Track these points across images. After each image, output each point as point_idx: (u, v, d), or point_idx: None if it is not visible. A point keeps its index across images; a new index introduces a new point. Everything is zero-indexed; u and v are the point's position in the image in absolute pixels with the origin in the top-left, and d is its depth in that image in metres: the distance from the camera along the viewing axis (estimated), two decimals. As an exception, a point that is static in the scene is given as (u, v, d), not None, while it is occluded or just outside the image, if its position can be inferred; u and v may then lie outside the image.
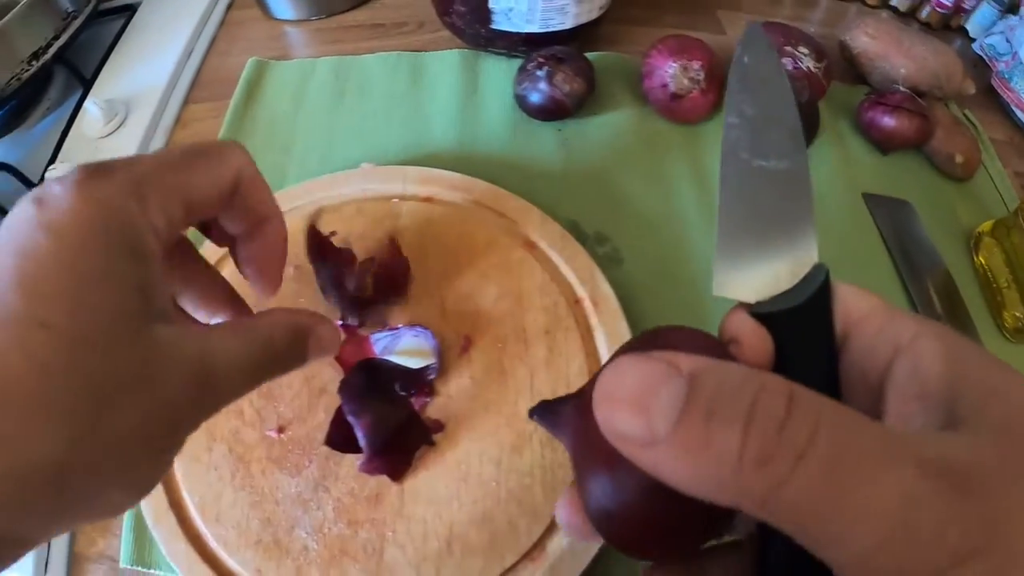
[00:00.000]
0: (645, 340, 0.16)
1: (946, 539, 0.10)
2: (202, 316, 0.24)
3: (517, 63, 0.49)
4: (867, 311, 0.15)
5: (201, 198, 0.19)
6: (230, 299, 0.25)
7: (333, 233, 0.39)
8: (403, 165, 0.42)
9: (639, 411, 0.12)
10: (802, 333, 0.15)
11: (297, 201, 0.41)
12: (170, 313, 0.18)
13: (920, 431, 0.13)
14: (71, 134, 0.54)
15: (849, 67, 0.54)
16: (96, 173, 0.17)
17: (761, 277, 0.16)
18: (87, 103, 0.52)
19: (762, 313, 0.15)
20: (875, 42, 0.52)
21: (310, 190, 0.41)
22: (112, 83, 0.56)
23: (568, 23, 0.46)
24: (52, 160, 0.52)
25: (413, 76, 0.49)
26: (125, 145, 0.51)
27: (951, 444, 0.12)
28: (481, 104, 0.47)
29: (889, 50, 0.52)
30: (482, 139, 0.45)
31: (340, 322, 0.36)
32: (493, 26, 0.46)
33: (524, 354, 0.34)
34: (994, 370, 0.13)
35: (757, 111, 0.16)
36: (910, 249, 0.46)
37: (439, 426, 0.33)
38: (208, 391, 0.18)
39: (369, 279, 0.33)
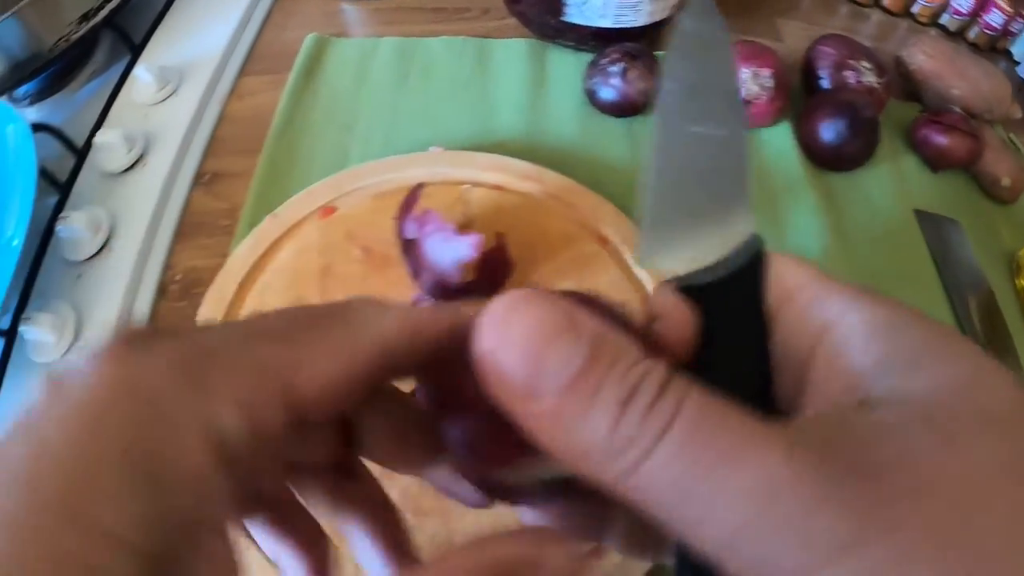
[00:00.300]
0: None
1: (813, 530, 0.09)
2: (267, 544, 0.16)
3: (585, 56, 0.48)
4: (799, 283, 0.13)
5: (317, 381, 0.12)
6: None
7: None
8: (471, 151, 0.42)
9: (529, 358, 0.11)
10: (732, 308, 0.14)
11: (364, 181, 0.41)
12: None
13: (814, 417, 0.12)
14: (119, 100, 0.53)
15: (903, 83, 0.55)
16: (137, 341, 0.11)
17: (689, 248, 0.14)
18: (138, 69, 0.51)
19: (690, 287, 0.14)
20: (931, 61, 0.53)
21: (377, 170, 0.41)
22: (162, 50, 0.55)
23: (640, 21, 0.46)
24: (99, 125, 0.51)
25: (479, 62, 0.48)
26: (178, 113, 0.50)
27: (846, 428, 0.11)
28: (549, 95, 0.47)
29: (943, 70, 0.53)
30: (550, 131, 0.45)
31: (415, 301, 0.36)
32: (565, 18, 0.46)
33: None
34: (932, 343, 0.12)
35: (697, 77, 0.15)
36: (956, 267, 0.47)
37: None
38: None
39: (472, 268, 0.33)
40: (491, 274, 0.34)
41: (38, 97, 0.59)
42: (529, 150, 0.44)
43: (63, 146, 0.50)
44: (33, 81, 0.57)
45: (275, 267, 0.39)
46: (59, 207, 0.48)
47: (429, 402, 0.15)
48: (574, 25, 0.46)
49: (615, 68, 0.43)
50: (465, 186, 0.40)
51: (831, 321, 0.13)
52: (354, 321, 0.13)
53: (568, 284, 0.37)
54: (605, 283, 0.37)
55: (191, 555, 0.10)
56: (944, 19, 0.61)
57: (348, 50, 0.50)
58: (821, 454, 0.10)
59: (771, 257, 0.14)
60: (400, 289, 0.36)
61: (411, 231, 0.34)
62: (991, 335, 0.44)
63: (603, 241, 0.38)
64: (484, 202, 0.39)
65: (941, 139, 0.49)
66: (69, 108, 0.57)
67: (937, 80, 0.53)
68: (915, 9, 0.61)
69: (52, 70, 0.57)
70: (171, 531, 0.10)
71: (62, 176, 0.49)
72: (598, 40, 0.47)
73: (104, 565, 0.09)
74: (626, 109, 0.44)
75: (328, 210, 0.40)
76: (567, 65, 0.48)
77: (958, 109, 0.51)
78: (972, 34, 0.61)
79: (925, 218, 0.49)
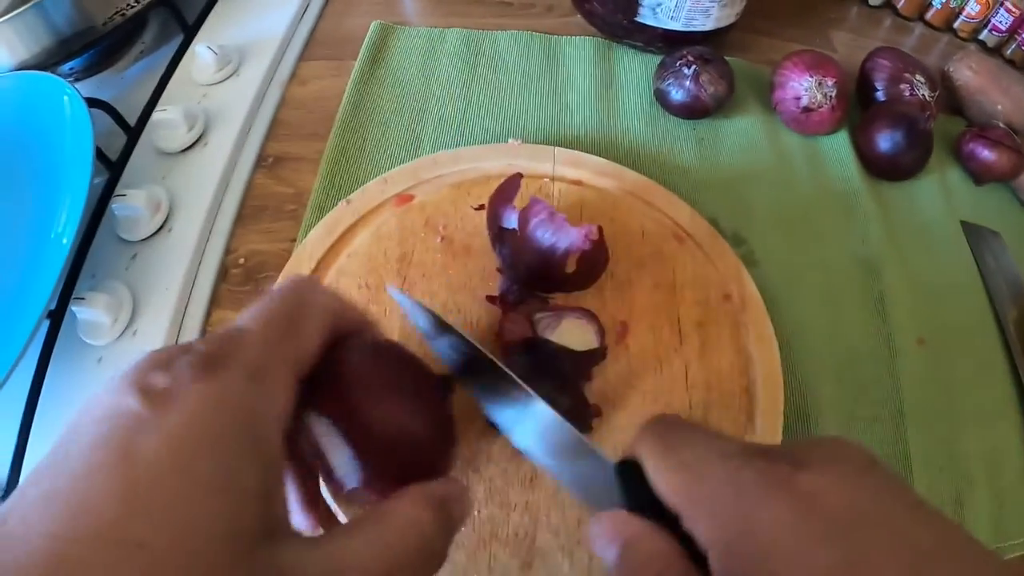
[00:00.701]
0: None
1: None
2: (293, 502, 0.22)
3: (650, 57, 0.49)
4: (677, 497, 0.18)
5: (310, 358, 0.18)
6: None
7: (482, 207, 0.39)
8: (547, 145, 0.42)
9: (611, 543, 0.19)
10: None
11: (442, 169, 0.41)
12: (287, 520, 0.16)
13: None
14: (176, 78, 0.52)
15: (947, 97, 0.56)
16: (210, 362, 0.15)
17: None
18: (198, 47, 0.51)
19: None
20: (976, 77, 0.54)
21: (456, 159, 0.41)
22: (218, 31, 0.55)
23: (708, 25, 0.47)
24: (152, 103, 0.51)
25: (547, 58, 0.49)
26: (239, 94, 0.49)
27: None
28: (618, 94, 0.47)
29: (988, 86, 0.54)
30: (620, 129, 0.46)
31: (497, 294, 0.36)
32: (637, 19, 0.46)
33: (679, 345, 0.36)
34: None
35: None
36: (999, 278, 0.48)
37: (597, 411, 0.34)
38: None
39: (573, 260, 0.33)
40: (591, 266, 0.35)
41: (84, 74, 0.58)
42: (600, 146, 0.44)
43: (113, 124, 0.49)
44: (79, 58, 0.56)
45: (350, 252, 0.39)
46: (110, 185, 0.47)
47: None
48: (644, 26, 0.47)
49: (688, 71, 0.43)
50: (545, 179, 0.40)
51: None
52: (316, 304, 0.19)
53: (648, 279, 0.37)
54: (684, 279, 0.37)
55: (278, 497, 0.16)
56: (983, 35, 0.63)
57: (414, 39, 0.50)
58: None
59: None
60: (481, 279, 0.37)
61: (510, 219, 0.34)
62: (1030, 344, 0.46)
63: (680, 239, 0.39)
64: (565, 196, 0.40)
65: (987, 153, 0.51)
66: (116, 86, 0.57)
67: (981, 95, 0.54)
68: (956, 24, 0.63)
69: (101, 47, 0.56)
70: (269, 482, 0.15)
71: (112, 154, 0.48)
72: (665, 42, 0.48)
73: (244, 508, 0.14)
74: (695, 111, 0.45)
75: (405, 198, 0.40)
76: (634, 65, 0.49)
77: (1002, 124, 0.52)
78: (1009, 51, 0.63)
79: (971, 229, 0.50)
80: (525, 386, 0.22)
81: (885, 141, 0.47)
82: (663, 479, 0.18)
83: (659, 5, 0.45)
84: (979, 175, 0.52)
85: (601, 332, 0.35)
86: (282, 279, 0.38)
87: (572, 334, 0.35)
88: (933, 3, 0.62)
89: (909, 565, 0.14)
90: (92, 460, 0.13)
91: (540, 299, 0.36)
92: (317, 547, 0.15)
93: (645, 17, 0.46)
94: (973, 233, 0.50)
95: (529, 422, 0.23)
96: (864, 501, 0.16)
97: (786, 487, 0.16)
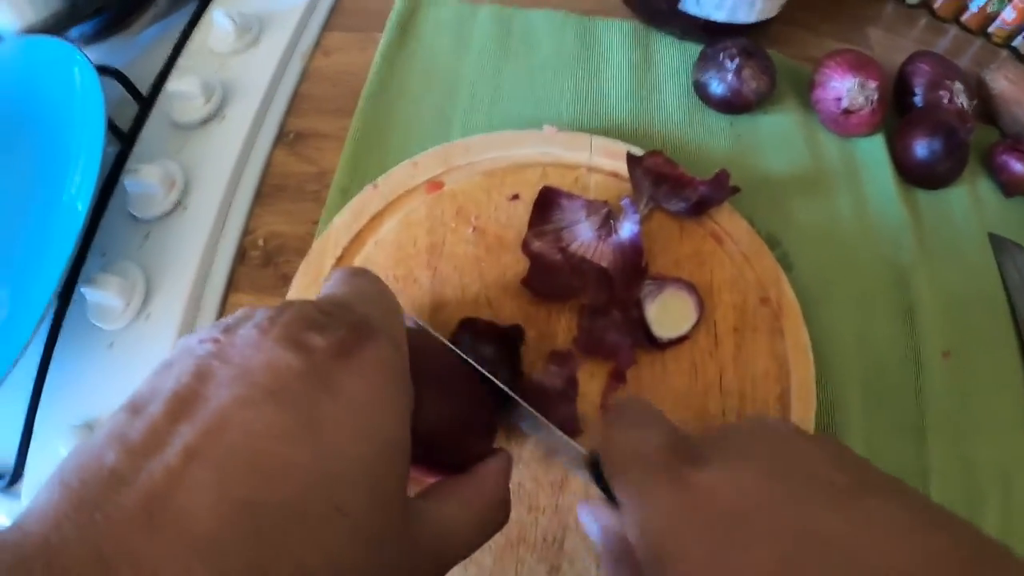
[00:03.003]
0: None
1: None
2: None
3: (689, 46, 0.47)
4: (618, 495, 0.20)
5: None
6: None
7: (516, 196, 0.38)
8: (582, 133, 0.41)
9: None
10: None
11: (474, 156, 0.40)
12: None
13: None
14: (190, 47, 0.50)
15: (981, 105, 0.55)
16: (364, 329, 0.16)
17: None
18: (216, 14, 0.48)
19: None
20: (1013, 87, 0.54)
21: (488, 145, 0.40)
22: (234, -1, 0.52)
23: (751, 18, 0.45)
24: (166, 72, 0.48)
25: (582, 40, 0.47)
26: (260, 65, 0.47)
27: None
28: (655, 83, 0.46)
29: (1023, 97, 0.53)
30: (657, 119, 0.44)
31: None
32: (680, 7, 0.45)
33: (714, 350, 0.35)
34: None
35: None
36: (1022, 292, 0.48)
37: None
38: (442, 572, 0.17)
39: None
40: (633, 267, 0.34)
41: (92, 39, 0.55)
42: (637, 136, 0.43)
43: (124, 92, 0.47)
44: (89, 22, 0.53)
45: (377, 240, 0.37)
46: (120, 158, 0.45)
47: None
48: (686, 14, 0.45)
49: (731, 64, 0.42)
50: (582, 170, 0.39)
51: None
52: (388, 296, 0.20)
53: (685, 277, 0.36)
54: (722, 281, 0.37)
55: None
56: (1017, 41, 0.62)
57: (444, 13, 0.48)
58: None
59: None
60: (515, 274, 0.36)
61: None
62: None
63: (718, 238, 0.38)
64: (602, 189, 0.38)
65: (1020, 166, 0.50)
66: (126, 52, 0.54)
67: (1016, 106, 0.53)
68: (991, 29, 0.62)
69: (111, 12, 0.53)
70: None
71: (124, 124, 0.46)
72: (705, 32, 0.46)
73: (401, 463, 0.15)
74: (735, 106, 0.44)
75: (435, 184, 0.39)
76: (672, 53, 0.47)
77: (1037, 136, 0.52)
78: (1041, 60, 0.62)
79: (998, 242, 0.50)
80: (526, 405, 0.24)
81: (922, 149, 0.46)
82: (605, 471, 0.20)
83: (704, -6, 0.43)
84: (1009, 187, 0.51)
85: (700, 304, 0.34)
86: (305, 266, 0.37)
87: (673, 304, 0.34)
88: (970, 6, 0.61)
89: (782, 555, 0.14)
90: (271, 422, 0.13)
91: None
92: (432, 509, 0.17)
93: (688, 6, 0.44)
94: (1000, 245, 0.49)
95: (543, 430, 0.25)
96: (756, 491, 0.16)
97: (683, 484, 0.17)
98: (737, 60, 0.42)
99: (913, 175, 0.47)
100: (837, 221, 0.44)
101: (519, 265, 0.36)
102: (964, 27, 0.63)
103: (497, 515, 0.19)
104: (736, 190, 0.38)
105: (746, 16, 0.45)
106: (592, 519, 0.23)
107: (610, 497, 0.20)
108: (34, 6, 0.48)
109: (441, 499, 0.18)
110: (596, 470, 0.22)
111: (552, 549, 0.30)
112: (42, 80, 0.43)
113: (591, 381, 0.33)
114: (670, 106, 0.45)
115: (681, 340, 0.34)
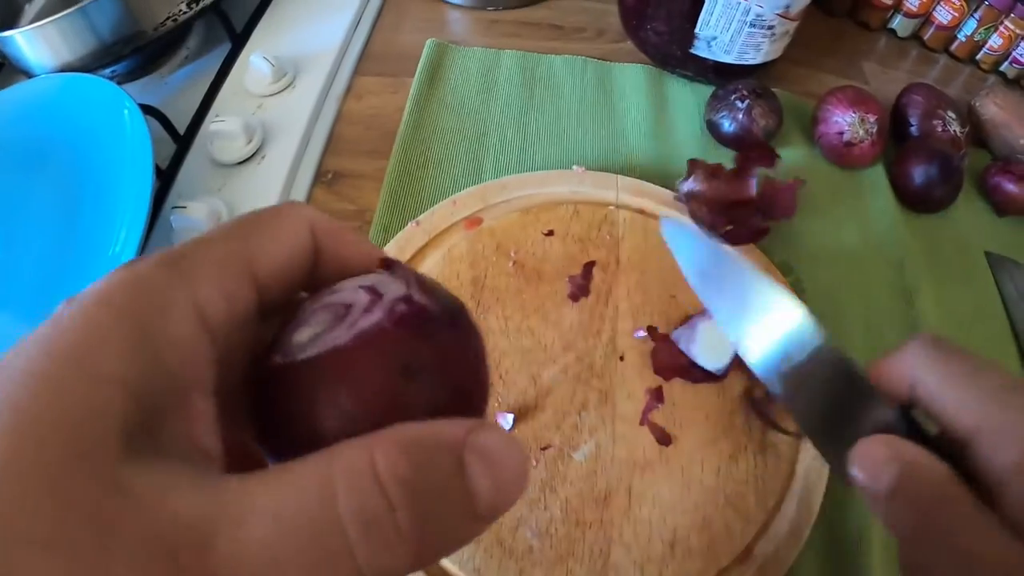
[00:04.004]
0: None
1: None
2: None
3: (700, 87, 0.51)
4: (977, 423, 0.18)
5: (270, 265, 0.15)
6: None
7: (551, 232, 0.41)
8: (607, 172, 0.44)
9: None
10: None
11: (511, 194, 0.43)
12: (191, 438, 0.12)
13: None
14: (227, 88, 0.53)
15: (972, 131, 0.59)
16: (139, 259, 0.13)
17: None
18: (253, 57, 0.51)
19: None
20: (1002, 112, 0.57)
21: (523, 184, 0.43)
22: (268, 41, 0.56)
23: (758, 59, 0.49)
24: (202, 112, 0.51)
25: (601, 84, 0.50)
26: (297, 106, 0.50)
27: None
28: (670, 124, 0.49)
29: (1012, 121, 0.57)
30: (673, 157, 0.47)
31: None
32: (692, 51, 0.48)
33: (737, 370, 0.38)
34: None
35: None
36: (1022, 306, 0.51)
37: (667, 439, 0.35)
38: None
39: None
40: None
41: (126, 78, 0.58)
42: (655, 174, 0.46)
43: (161, 130, 0.49)
44: (122, 63, 0.56)
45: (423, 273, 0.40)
46: (159, 195, 0.47)
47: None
48: (697, 57, 0.49)
49: (742, 104, 0.45)
50: (611, 207, 0.42)
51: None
52: (287, 214, 0.16)
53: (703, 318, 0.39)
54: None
55: (180, 408, 0.12)
56: (1004, 67, 0.66)
57: (470, 59, 0.51)
58: None
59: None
60: (554, 304, 0.38)
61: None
62: (1047, 372, 0.49)
63: (737, 269, 0.41)
64: (631, 225, 0.41)
65: (1011, 187, 0.53)
66: (160, 92, 0.57)
67: (1006, 130, 0.57)
68: (979, 56, 0.65)
69: (145, 52, 0.56)
70: (162, 380, 0.12)
71: (161, 162, 0.48)
72: (715, 74, 0.49)
73: (103, 400, 0.11)
74: (746, 143, 0.47)
75: (474, 221, 0.41)
76: (685, 94, 0.51)
77: (1025, 159, 0.55)
78: (1027, 85, 0.66)
79: (995, 259, 0.53)
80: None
81: (920, 175, 0.49)
82: (959, 403, 0.18)
83: (714, 39, 0.47)
84: (1002, 207, 0.55)
85: None
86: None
87: (708, 336, 0.37)
88: (958, 36, 0.65)
89: None
90: None
91: None
92: (213, 487, 0.11)
93: (699, 49, 0.48)
94: (997, 263, 0.53)
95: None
96: None
97: None
98: (747, 101, 0.45)
99: (912, 200, 0.51)
100: (844, 247, 0.47)
101: (558, 296, 0.39)
102: (954, 56, 0.67)
103: (365, 512, 0.11)
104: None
105: (753, 58, 0.49)
106: (888, 459, 0.18)
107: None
108: (70, 45, 0.50)
109: (257, 478, 0.11)
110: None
111: (599, 561, 0.32)
112: (87, 119, 0.44)
113: (627, 402, 0.36)
114: (685, 145, 0.48)
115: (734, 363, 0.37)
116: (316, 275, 0.16)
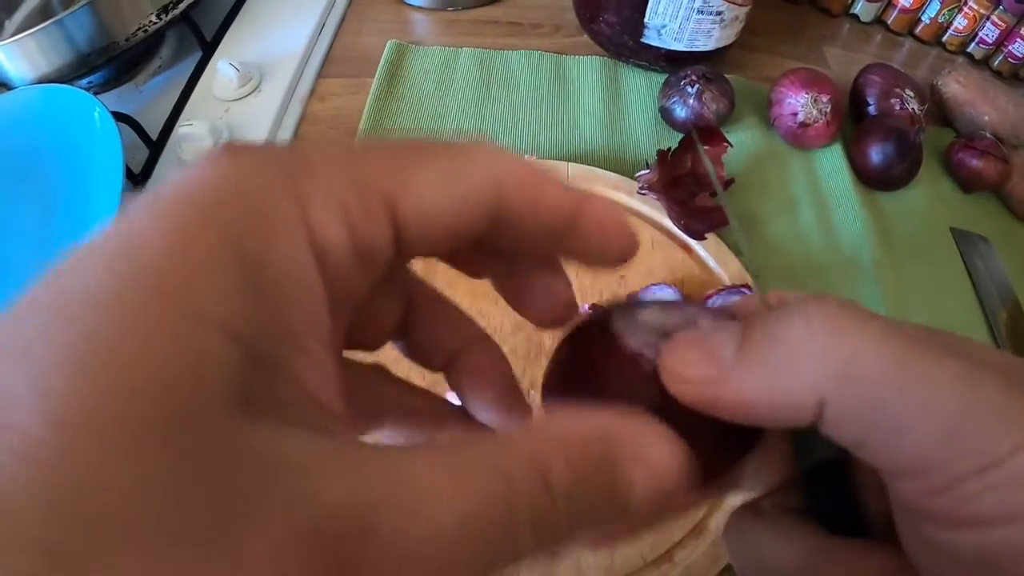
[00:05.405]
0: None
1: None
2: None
3: (654, 76, 0.52)
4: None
5: (422, 207, 0.11)
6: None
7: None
8: (559, 161, 0.44)
9: (705, 354, 0.13)
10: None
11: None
12: (320, 400, 0.10)
13: None
14: (197, 94, 0.54)
15: (936, 109, 0.59)
16: (242, 146, 0.10)
17: None
18: (220, 63, 0.53)
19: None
20: (964, 90, 0.57)
21: (473, 177, 0.44)
22: (236, 48, 0.57)
23: (709, 45, 0.49)
24: (174, 117, 0.53)
25: (556, 77, 0.51)
26: (261, 109, 0.52)
27: None
28: (624, 112, 0.50)
29: (976, 98, 0.57)
30: (627, 145, 0.48)
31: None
32: (642, 40, 0.49)
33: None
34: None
35: None
36: (988, 281, 0.51)
37: None
38: None
39: None
40: None
41: (102, 88, 0.60)
42: (609, 162, 0.47)
43: (135, 137, 0.51)
44: (97, 73, 0.58)
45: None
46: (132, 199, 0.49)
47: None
48: (649, 46, 0.49)
49: (692, 89, 0.46)
50: (559, 194, 0.42)
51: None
52: (470, 153, 0.12)
53: (660, 287, 0.40)
54: (693, 287, 0.40)
55: (296, 359, 0.10)
56: (971, 48, 0.66)
57: (429, 58, 0.53)
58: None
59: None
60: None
61: None
62: (1017, 345, 0.49)
63: (687, 249, 0.41)
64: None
65: (975, 162, 0.53)
66: (134, 100, 0.58)
67: (970, 107, 0.57)
68: (944, 38, 0.66)
69: (119, 62, 0.57)
70: (276, 327, 0.09)
71: (135, 167, 0.50)
72: (668, 62, 0.50)
73: (205, 347, 0.08)
74: (696, 128, 0.47)
75: (427, 212, 0.42)
76: (639, 83, 0.52)
77: (989, 134, 0.55)
78: (996, 62, 0.66)
79: (960, 235, 0.53)
80: None
81: (877, 154, 0.50)
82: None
83: (664, 27, 0.47)
84: (967, 183, 0.55)
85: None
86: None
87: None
88: (922, 18, 0.65)
89: None
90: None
91: None
92: (367, 462, 0.09)
93: (650, 38, 0.49)
94: (963, 239, 0.53)
95: None
96: None
97: None
98: (697, 86, 0.46)
99: (871, 179, 0.51)
100: (802, 227, 0.47)
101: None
102: (918, 39, 0.67)
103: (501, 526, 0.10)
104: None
105: (705, 44, 0.49)
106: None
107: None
108: (47, 57, 0.52)
109: (413, 452, 0.10)
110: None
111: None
112: (60, 127, 0.46)
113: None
114: (638, 132, 0.49)
115: None
116: (496, 236, 0.12)
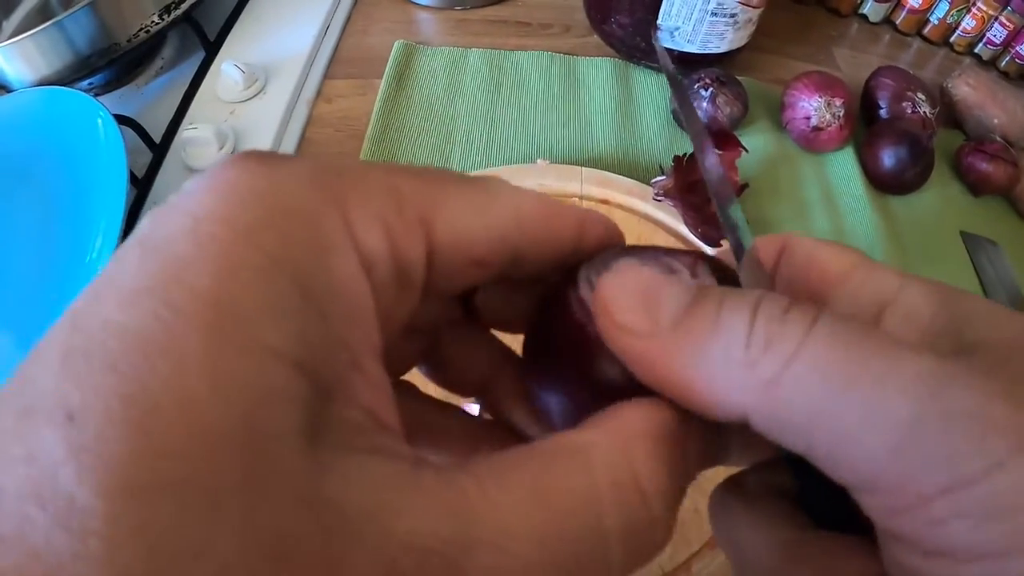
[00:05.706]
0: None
1: (992, 419, 0.09)
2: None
3: (666, 79, 0.51)
4: (846, 268, 0.13)
5: (450, 233, 0.11)
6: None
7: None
8: (572, 165, 0.44)
9: (646, 302, 0.11)
10: None
11: (474, 192, 0.43)
12: (379, 417, 0.09)
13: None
14: (201, 96, 0.53)
15: (945, 111, 0.59)
16: (266, 156, 0.10)
17: None
18: (224, 64, 0.52)
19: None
20: (974, 92, 0.57)
21: (486, 182, 0.43)
22: (240, 49, 0.56)
23: (722, 48, 0.49)
24: (177, 119, 0.52)
25: (567, 78, 0.51)
26: (267, 111, 0.51)
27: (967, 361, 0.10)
28: (637, 114, 0.49)
29: (985, 101, 0.57)
30: (640, 148, 0.48)
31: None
32: (655, 41, 0.48)
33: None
34: (988, 305, 0.12)
35: None
36: (998, 285, 0.51)
37: None
38: None
39: None
40: None
41: (103, 90, 0.59)
42: (622, 166, 0.46)
43: (138, 140, 0.50)
44: (99, 75, 0.57)
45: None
46: (137, 203, 0.48)
47: (530, 359, 0.14)
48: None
49: (706, 92, 0.46)
50: (574, 199, 0.42)
51: (889, 299, 0.12)
52: (492, 187, 0.12)
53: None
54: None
55: (353, 377, 0.09)
56: (978, 48, 0.66)
57: (437, 59, 0.52)
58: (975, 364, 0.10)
59: (804, 243, 0.14)
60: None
61: None
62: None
63: (703, 257, 0.41)
64: (592, 216, 0.41)
65: (985, 166, 0.53)
66: (136, 102, 0.58)
67: (979, 110, 0.57)
68: (952, 39, 0.65)
69: (120, 63, 0.57)
70: (331, 345, 0.09)
71: (137, 171, 0.49)
72: (680, 63, 0.50)
73: (271, 383, 0.08)
74: (712, 131, 0.47)
75: (440, 218, 0.42)
76: (651, 85, 0.51)
77: (999, 138, 0.55)
78: (1003, 63, 0.66)
79: (970, 239, 0.53)
80: None
81: (889, 158, 0.49)
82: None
83: (677, 29, 0.47)
84: (977, 187, 0.55)
85: None
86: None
87: None
88: (930, 19, 0.65)
89: None
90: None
91: None
92: (445, 494, 0.09)
93: (663, 40, 0.48)
94: (972, 243, 0.53)
95: None
96: None
97: None
98: (711, 89, 0.46)
99: (883, 183, 0.51)
100: (813, 232, 0.47)
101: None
102: (927, 39, 0.67)
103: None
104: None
105: (717, 46, 0.49)
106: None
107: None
108: (47, 58, 0.51)
109: (491, 474, 0.09)
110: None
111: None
112: (63, 131, 0.45)
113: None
114: (651, 135, 0.48)
115: None
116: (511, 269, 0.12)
